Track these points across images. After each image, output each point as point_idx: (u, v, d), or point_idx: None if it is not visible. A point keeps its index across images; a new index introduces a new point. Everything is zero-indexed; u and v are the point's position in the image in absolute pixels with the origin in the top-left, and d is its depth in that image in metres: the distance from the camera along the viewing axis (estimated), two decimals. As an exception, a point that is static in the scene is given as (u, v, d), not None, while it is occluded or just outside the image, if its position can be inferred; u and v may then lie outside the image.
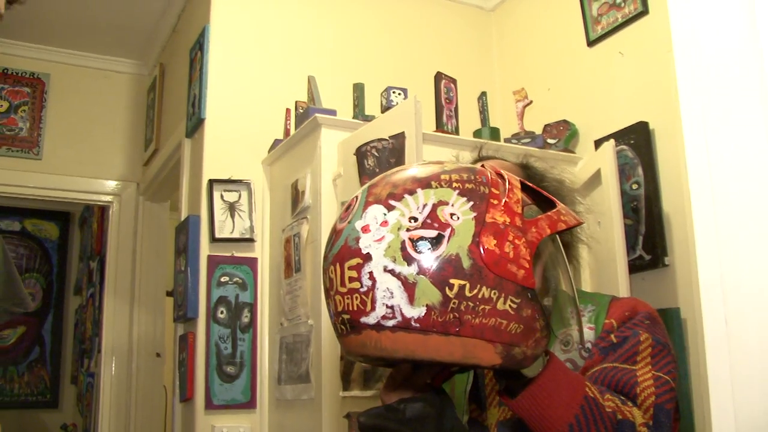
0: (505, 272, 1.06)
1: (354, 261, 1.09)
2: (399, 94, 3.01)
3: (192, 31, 3.82)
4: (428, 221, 1.07)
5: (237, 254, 3.27)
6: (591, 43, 3.37)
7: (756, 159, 0.86)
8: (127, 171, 4.77)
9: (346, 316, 1.11)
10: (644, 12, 3.09)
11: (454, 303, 1.04)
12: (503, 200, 1.11)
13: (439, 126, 3.09)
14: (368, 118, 2.92)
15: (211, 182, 3.30)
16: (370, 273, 1.07)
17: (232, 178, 3.34)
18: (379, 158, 2.57)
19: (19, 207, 6.17)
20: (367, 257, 1.08)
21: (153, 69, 4.69)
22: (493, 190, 1.12)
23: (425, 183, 1.12)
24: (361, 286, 1.08)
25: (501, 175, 1.17)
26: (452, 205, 1.08)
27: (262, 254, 3.32)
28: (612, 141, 2.91)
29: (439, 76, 3.16)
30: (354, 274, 1.09)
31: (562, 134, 3.31)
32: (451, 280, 1.05)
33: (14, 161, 4.49)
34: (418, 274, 1.05)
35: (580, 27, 3.42)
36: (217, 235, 3.25)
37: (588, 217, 1.68)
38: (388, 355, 1.09)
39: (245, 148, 3.41)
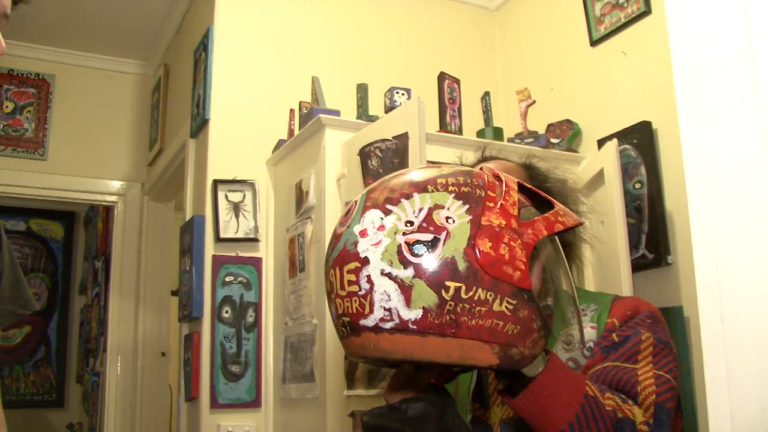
0: (501, 274, 1.07)
1: (352, 265, 1.10)
2: (402, 94, 3.02)
3: (196, 32, 3.83)
4: (424, 225, 1.08)
5: (241, 254, 3.29)
6: (594, 42, 3.37)
7: (751, 158, 0.87)
8: (131, 171, 4.79)
9: (346, 319, 1.13)
10: (647, 12, 3.09)
11: (450, 305, 1.06)
12: (499, 203, 1.12)
13: (443, 126, 3.10)
14: (372, 119, 2.92)
15: (216, 182, 3.32)
16: (368, 276, 1.09)
17: (237, 179, 3.35)
18: (382, 158, 2.58)
19: (24, 207, 6.19)
20: (365, 261, 1.09)
21: (157, 69, 4.70)
22: (489, 193, 1.13)
23: (422, 187, 1.13)
24: (360, 290, 1.09)
25: (498, 177, 1.18)
26: (448, 209, 1.10)
27: (266, 254, 3.33)
28: (615, 140, 2.91)
29: (442, 76, 3.17)
30: (353, 277, 1.10)
31: (566, 134, 3.32)
32: (447, 283, 1.06)
33: (20, 162, 4.51)
34: (414, 277, 1.06)
35: (583, 27, 3.42)
36: (222, 235, 3.26)
37: (591, 217, 1.69)
38: (387, 357, 1.11)
39: (249, 149, 3.42)
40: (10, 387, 6.13)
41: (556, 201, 1.22)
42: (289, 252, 3.08)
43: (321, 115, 2.89)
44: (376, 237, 1.10)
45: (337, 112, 2.96)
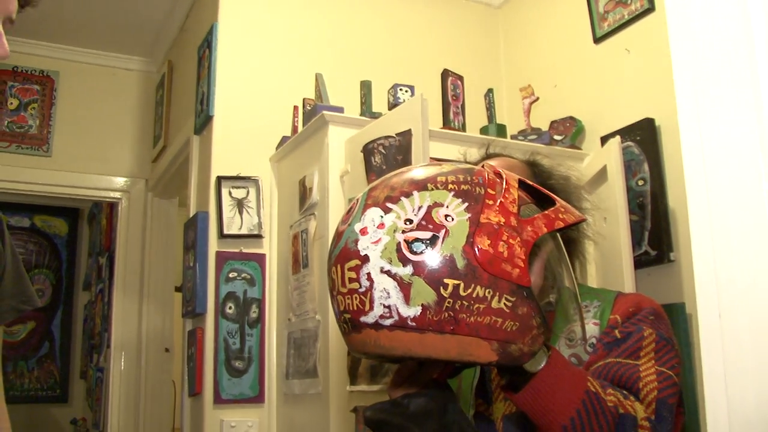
0: (500, 271, 1.08)
1: (353, 262, 1.11)
2: (406, 91, 3.02)
3: (200, 29, 3.84)
4: (423, 223, 1.09)
5: (245, 250, 3.29)
6: (597, 40, 3.38)
7: (750, 155, 0.87)
8: (135, 168, 4.80)
9: (347, 316, 1.14)
10: (650, 9, 3.09)
11: (448, 302, 1.06)
12: (498, 200, 1.13)
13: (446, 123, 3.10)
14: (375, 116, 2.93)
15: (220, 179, 3.33)
16: (368, 274, 1.10)
17: (240, 175, 3.35)
18: (386, 155, 2.58)
19: (28, 203, 6.20)
20: (365, 259, 1.10)
21: (161, 66, 4.71)
22: (488, 190, 1.14)
23: (421, 185, 1.14)
24: (360, 287, 1.10)
25: (499, 175, 1.18)
26: (447, 207, 1.10)
27: (270, 250, 3.33)
28: (618, 137, 2.92)
29: (446, 73, 3.17)
30: (353, 275, 1.11)
31: (569, 131, 3.32)
32: (446, 280, 1.07)
33: (24, 158, 4.53)
34: (413, 274, 1.07)
35: (586, 24, 3.43)
36: (226, 231, 3.27)
37: (594, 214, 1.70)
38: (387, 353, 1.12)
39: (253, 145, 3.43)
40: (14, 383, 6.15)
41: (557, 198, 1.22)
42: (293, 248, 3.09)
43: (324, 112, 2.89)
44: (376, 235, 1.10)
45: (340, 109, 2.96)
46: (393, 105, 2.96)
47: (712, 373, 0.87)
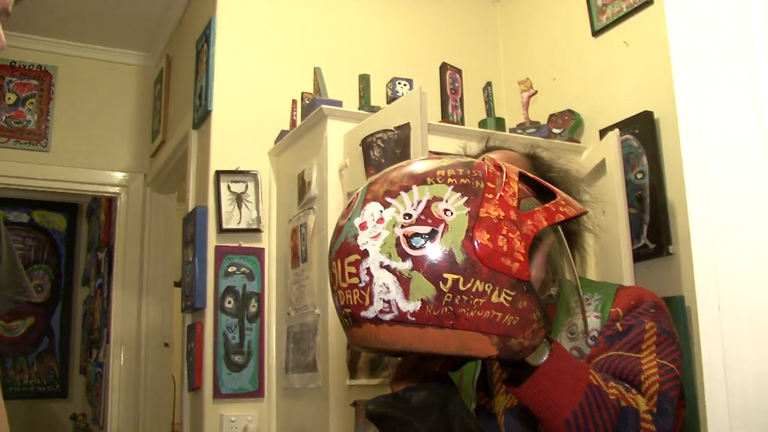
0: (499, 266, 1.07)
1: (353, 257, 1.11)
2: (404, 85, 3.02)
3: (198, 23, 3.83)
4: (422, 217, 1.09)
5: (244, 244, 3.29)
6: (596, 33, 3.37)
7: (749, 147, 0.87)
8: (134, 162, 4.80)
9: (347, 310, 1.13)
10: (649, 2, 3.09)
11: (448, 297, 1.06)
12: (498, 194, 1.12)
13: (445, 116, 3.10)
14: (374, 109, 2.93)
15: (218, 173, 3.32)
16: (368, 269, 1.09)
17: (239, 169, 3.35)
18: (384, 149, 2.58)
19: (27, 199, 6.20)
20: (365, 253, 1.10)
21: (160, 61, 4.70)
22: (488, 184, 1.13)
23: (421, 180, 1.13)
24: (360, 282, 1.10)
25: (499, 168, 1.18)
26: (446, 201, 1.10)
27: (269, 244, 3.34)
28: (617, 130, 2.91)
29: (444, 67, 3.17)
30: (353, 270, 1.11)
31: (567, 124, 3.32)
32: (445, 275, 1.06)
33: (22, 153, 4.52)
34: (412, 269, 1.07)
35: (585, 17, 3.42)
36: (225, 225, 3.27)
37: (594, 207, 1.69)
38: (387, 348, 1.12)
39: (252, 140, 3.43)
40: (13, 378, 6.15)
41: (558, 190, 1.22)
42: (292, 242, 3.09)
43: (323, 106, 2.89)
44: (376, 230, 1.10)
45: (339, 103, 2.96)
46: (391, 99, 2.96)
47: (711, 365, 0.87)
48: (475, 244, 1.07)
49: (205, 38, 3.59)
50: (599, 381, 1.23)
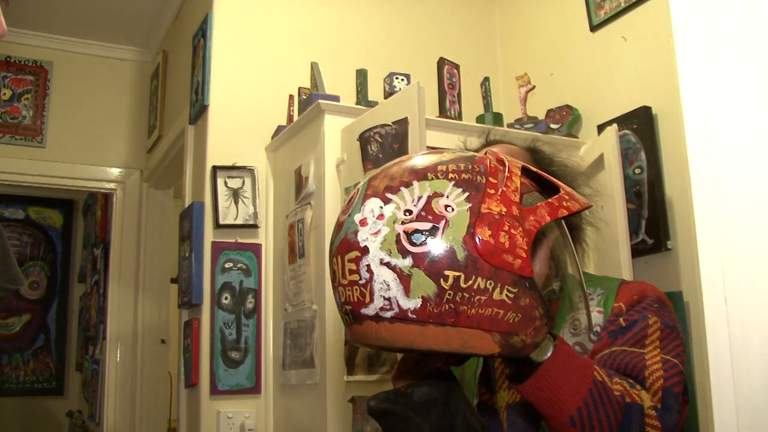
0: (501, 262, 1.06)
1: (353, 254, 1.10)
2: (402, 80, 3.01)
3: (195, 18, 3.81)
4: (423, 214, 1.07)
5: (241, 240, 3.28)
6: (594, 28, 3.36)
7: (755, 140, 0.86)
8: (130, 158, 4.78)
9: (348, 307, 1.12)
10: (647, -4, 3.09)
11: (449, 294, 1.05)
12: (500, 189, 1.11)
13: (442, 111, 3.09)
14: (371, 104, 2.92)
15: (215, 169, 3.31)
16: (368, 266, 1.08)
17: (236, 165, 3.34)
18: (382, 144, 2.57)
19: (22, 195, 6.19)
20: (365, 250, 1.09)
21: (156, 56, 4.69)
22: (490, 179, 1.12)
23: (421, 175, 1.12)
24: (360, 279, 1.09)
25: (502, 162, 1.17)
26: (447, 197, 1.08)
27: (266, 240, 3.33)
28: (615, 126, 2.91)
29: (442, 62, 3.16)
30: (353, 266, 1.10)
31: (565, 119, 3.31)
32: (446, 272, 1.05)
33: (18, 149, 4.50)
34: (413, 266, 1.05)
35: (583, 12, 3.41)
36: (221, 221, 3.26)
37: (596, 200, 1.68)
38: (388, 345, 1.10)
39: (249, 135, 3.42)
40: (9, 375, 6.14)
41: (562, 184, 1.20)
42: (289, 238, 3.08)
43: (320, 101, 2.88)
44: (376, 226, 1.09)
45: (336, 98, 2.95)
46: (389, 94, 2.95)
47: (718, 358, 0.86)
48: (477, 240, 1.06)
49: (202, 33, 3.57)
50: (604, 377, 1.21)
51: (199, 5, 3.80)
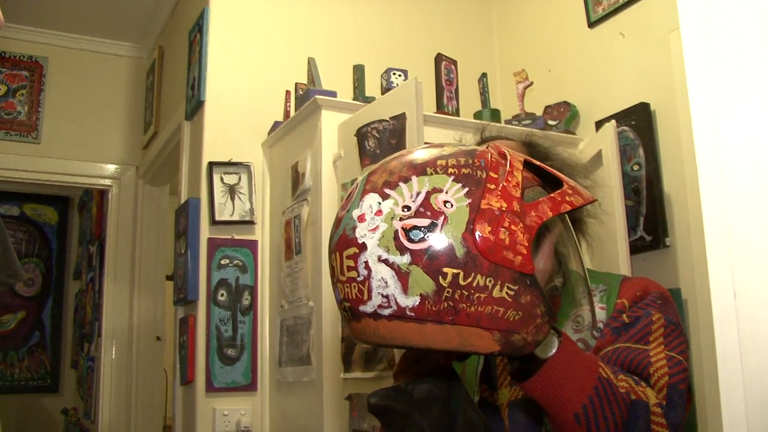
0: (501, 259, 1.04)
1: (351, 250, 1.08)
2: (399, 75, 3.00)
3: (191, 14, 3.80)
4: (421, 210, 1.06)
5: (237, 237, 3.27)
6: (592, 24, 3.35)
7: (765, 129, 0.85)
8: (126, 154, 4.76)
9: (347, 304, 1.11)
10: (646, -8, 3.07)
11: (448, 292, 1.03)
12: (501, 184, 1.09)
13: (440, 107, 3.08)
14: (368, 100, 2.91)
15: (211, 165, 3.30)
16: (366, 263, 1.07)
17: (232, 161, 3.33)
18: (379, 139, 2.56)
19: (17, 192, 6.16)
20: (363, 247, 1.07)
21: (152, 52, 4.67)
22: (491, 174, 1.10)
23: (420, 170, 1.10)
24: (358, 276, 1.07)
25: (504, 156, 1.15)
26: (446, 193, 1.07)
27: (262, 236, 3.31)
28: (613, 122, 2.90)
29: (439, 58, 3.15)
30: (351, 263, 1.08)
31: (563, 116, 3.30)
32: (445, 269, 1.03)
33: (13, 145, 4.48)
34: (411, 263, 1.04)
35: (581, 8, 3.40)
36: (217, 217, 3.24)
37: (597, 192, 1.66)
38: (386, 343, 1.09)
39: (245, 131, 3.40)
40: (4, 372, 6.12)
41: (566, 178, 1.18)
42: (285, 234, 3.06)
43: (317, 97, 2.87)
44: (374, 222, 1.07)
45: (333, 93, 2.94)
46: (386, 89, 2.94)
47: (726, 353, 0.84)
48: (476, 237, 1.04)
49: (198, 28, 3.56)
50: (609, 374, 1.20)
51: (195, 0, 3.78)
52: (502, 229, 1.05)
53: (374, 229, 1.07)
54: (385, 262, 1.05)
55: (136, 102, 4.80)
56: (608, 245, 2.67)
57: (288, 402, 3.03)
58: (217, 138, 3.37)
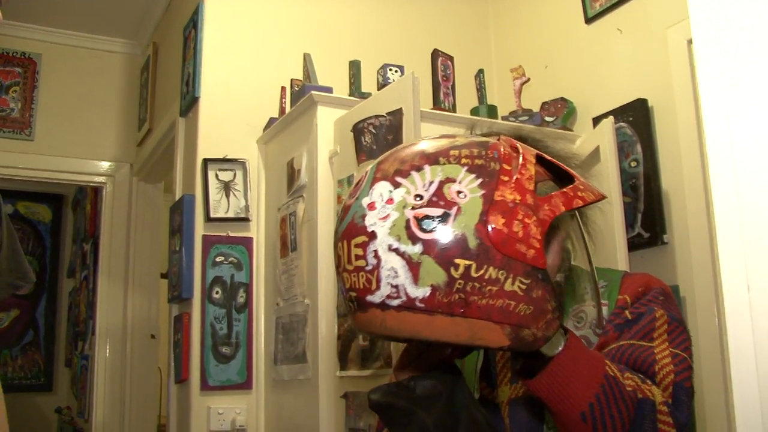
0: (514, 252, 1.02)
1: (360, 239, 1.06)
2: (395, 71, 2.98)
3: (186, 9, 3.77)
4: (434, 199, 1.04)
5: (232, 234, 3.25)
6: (589, 19, 3.34)
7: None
8: (120, 151, 4.74)
9: (353, 294, 1.09)
10: (643, -12, 3.06)
11: (459, 284, 1.01)
12: (515, 177, 1.07)
13: (437, 103, 3.06)
14: (365, 96, 2.89)
15: (206, 161, 3.27)
16: (375, 251, 1.05)
17: (227, 157, 3.31)
18: (376, 135, 2.54)
19: (11, 189, 6.12)
20: (372, 235, 1.05)
21: (146, 48, 4.64)
22: (504, 166, 1.08)
23: (433, 159, 1.08)
24: (367, 265, 1.05)
25: (516, 149, 1.13)
26: (459, 183, 1.05)
27: (257, 234, 3.29)
28: (611, 118, 2.89)
29: (436, 54, 3.13)
30: (360, 252, 1.06)
31: (560, 112, 3.28)
32: (457, 260, 1.01)
33: (6, 142, 4.45)
34: (422, 253, 1.02)
35: (578, 3, 3.39)
36: (212, 214, 3.22)
37: (591, 180, 1.64)
38: (394, 335, 1.07)
39: (240, 127, 3.38)
40: (-3, 371, 6.10)
41: (576, 174, 1.17)
42: (281, 231, 3.04)
43: (313, 92, 2.85)
44: (384, 211, 1.05)
45: (329, 89, 2.92)
46: (382, 85, 2.92)
47: (739, 347, 0.82)
48: (489, 228, 1.02)
49: (193, 24, 3.53)
50: (615, 372, 1.18)
51: (189, -4, 3.76)
52: (516, 222, 1.03)
53: (385, 218, 1.05)
54: (396, 251, 1.03)
55: (131, 99, 4.77)
56: (606, 242, 2.65)
57: (283, 400, 3.01)
58: (211, 134, 3.35)
